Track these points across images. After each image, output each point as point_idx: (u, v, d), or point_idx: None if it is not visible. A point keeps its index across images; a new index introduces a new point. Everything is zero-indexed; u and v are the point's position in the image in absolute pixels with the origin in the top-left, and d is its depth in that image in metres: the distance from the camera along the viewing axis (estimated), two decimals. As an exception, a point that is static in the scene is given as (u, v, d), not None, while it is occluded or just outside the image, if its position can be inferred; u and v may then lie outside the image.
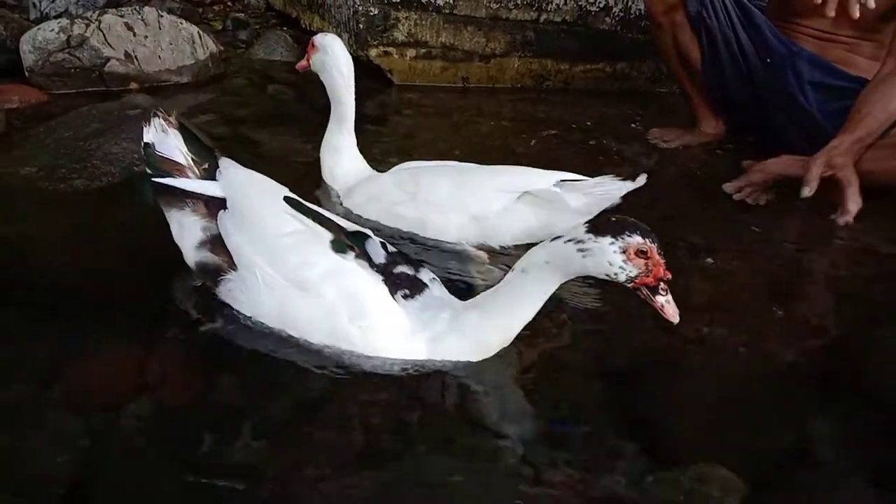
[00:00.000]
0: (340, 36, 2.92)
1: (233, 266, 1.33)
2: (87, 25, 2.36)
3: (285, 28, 3.25)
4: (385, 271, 1.32)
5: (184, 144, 1.40)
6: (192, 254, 1.36)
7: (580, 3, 3.07)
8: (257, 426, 1.18)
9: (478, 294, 1.36)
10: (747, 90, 2.41)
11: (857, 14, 1.92)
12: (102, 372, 1.27)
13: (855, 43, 2.26)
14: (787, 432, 1.24)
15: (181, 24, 2.56)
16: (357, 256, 1.32)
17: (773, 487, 1.13)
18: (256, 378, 1.29)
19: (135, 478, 1.07)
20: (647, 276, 1.15)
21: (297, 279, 1.30)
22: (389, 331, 1.30)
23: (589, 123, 2.67)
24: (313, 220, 1.34)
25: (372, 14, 2.75)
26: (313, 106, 2.53)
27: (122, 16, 2.44)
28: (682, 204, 2.03)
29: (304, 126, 2.31)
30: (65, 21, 2.36)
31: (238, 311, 1.35)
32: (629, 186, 1.62)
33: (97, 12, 2.45)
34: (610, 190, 1.63)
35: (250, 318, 1.34)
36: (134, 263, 1.50)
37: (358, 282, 1.30)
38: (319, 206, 1.43)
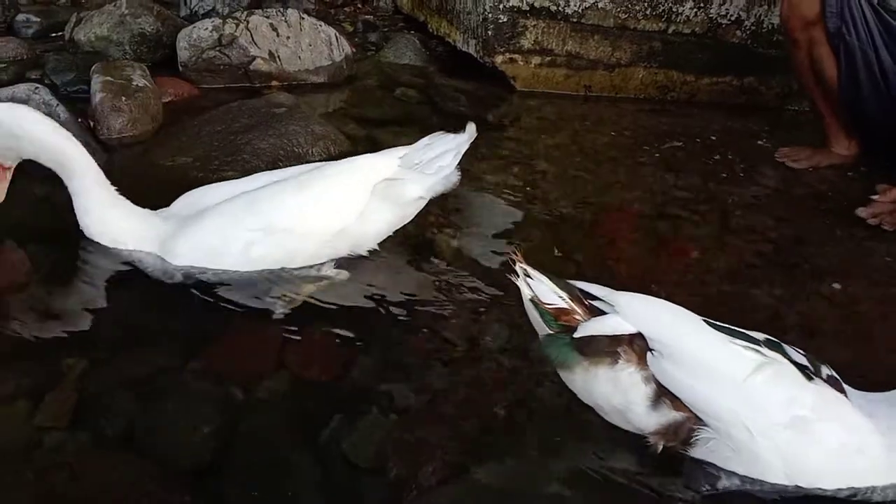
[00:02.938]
0: (467, 42, 3.01)
1: (699, 420, 1.09)
2: (237, 25, 2.53)
3: (413, 32, 3.36)
4: (819, 377, 1.14)
5: (554, 285, 1.19)
6: (648, 417, 1.11)
7: (710, 15, 3.02)
8: (384, 409, 1.25)
9: None
10: (885, 110, 2.31)
11: None
12: (243, 347, 1.38)
13: None
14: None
15: (320, 26, 2.71)
16: (823, 378, 1.14)
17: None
18: (387, 362, 1.37)
19: (267, 452, 1.15)
20: None
21: (793, 422, 1.07)
22: (880, 453, 1.09)
23: (714, 138, 2.63)
24: (746, 340, 1.14)
25: (501, 21, 2.81)
26: (437, 109, 2.63)
27: (267, 17, 2.60)
28: (809, 226, 1.98)
29: (427, 128, 2.37)
30: (217, 20, 2.55)
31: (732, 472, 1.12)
32: (462, 139, 1.59)
33: (245, 13, 2.63)
34: (444, 147, 1.60)
35: (749, 478, 1.10)
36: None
37: (848, 409, 1.11)
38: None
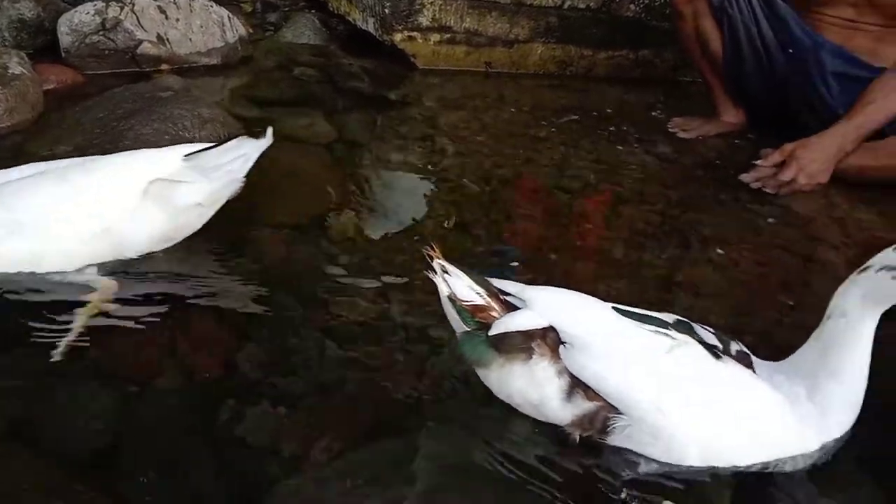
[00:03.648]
0: (366, 20, 2.97)
1: (614, 409, 1.10)
2: (122, 8, 2.43)
3: (314, 11, 3.30)
4: (729, 354, 1.18)
5: (472, 281, 1.16)
6: (563, 410, 1.12)
7: (605, -10, 3.08)
8: (277, 399, 1.25)
9: None
10: (768, 82, 2.41)
11: None
12: (133, 343, 1.34)
13: (881, 32, 2.26)
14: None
15: (211, 7, 2.63)
16: (732, 354, 1.18)
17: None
18: (278, 353, 1.36)
19: (159, 446, 1.13)
20: None
21: (704, 403, 1.11)
22: (790, 423, 1.15)
23: (610, 110, 2.70)
24: (655, 324, 1.16)
25: (398, -1, 2.79)
26: (337, 88, 2.60)
27: (154, -1, 2.50)
28: (696, 193, 2.06)
29: (328, 108, 2.38)
30: (100, 3, 2.43)
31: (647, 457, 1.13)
32: (260, 144, 1.48)
33: (130, -5, 2.52)
34: (239, 152, 1.46)
35: (669, 463, 1.12)
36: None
37: (756, 384, 1.15)
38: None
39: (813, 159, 2.08)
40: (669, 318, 1.20)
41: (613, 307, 1.19)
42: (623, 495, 1.09)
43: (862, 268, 1.12)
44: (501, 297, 1.18)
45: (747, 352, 1.21)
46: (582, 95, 2.86)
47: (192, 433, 1.16)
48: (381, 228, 1.83)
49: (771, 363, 1.22)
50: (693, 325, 1.21)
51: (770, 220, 1.95)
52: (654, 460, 1.12)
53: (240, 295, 1.48)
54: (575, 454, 1.13)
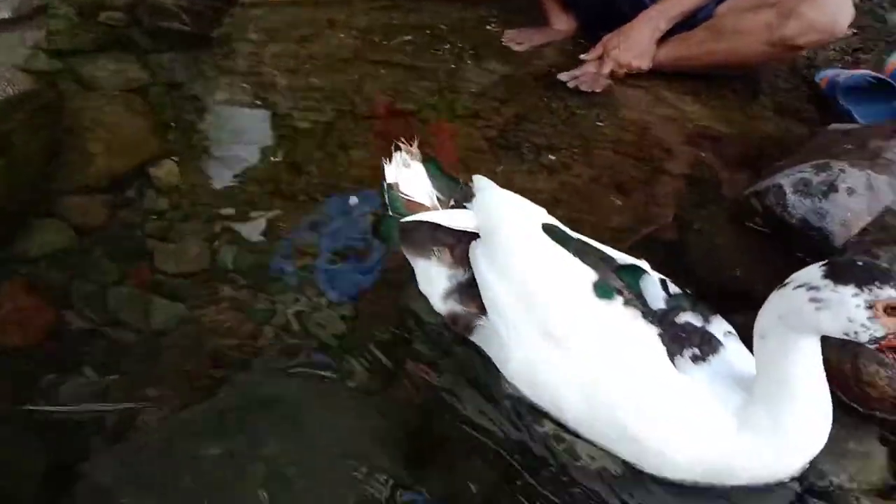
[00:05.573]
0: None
1: (483, 310, 1.15)
2: None
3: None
4: (664, 321, 1.05)
5: (429, 181, 1.26)
6: (440, 305, 1.21)
7: None
8: (100, 367, 1.18)
9: None
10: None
11: None
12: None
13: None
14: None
15: (-8, -51, 2.34)
16: (627, 302, 1.06)
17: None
18: (104, 319, 1.28)
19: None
20: None
21: (550, 333, 1.06)
22: (670, 420, 1.00)
23: (444, 27, 2.64)
24: (575, 253, 1.12)
25: (206, -75, 2.58)
26: (151, 30, 2.40)
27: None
28: (529, 105, 2.06)
29: (140, 51, 2.20)
30: None
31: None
32: None
33: None
34: None
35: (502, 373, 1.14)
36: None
37: (624, 339, 1.03)
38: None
39: (628, 47, 2.14)
40: (624, 259, 1.14)
41: (554, 227, 1.18)
42: None
43: (782, 283, 0.96)
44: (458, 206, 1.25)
45: (720, 339, 1.06)
46: (415, 15, 2.77)
47: (7, 407, 1.09)
48: (209, 173, 1.74)
49: (740, 359, 1.06)
50: (652, 276, 1.11)
51: (599, 123, 1.99)
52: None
53: (56, 265, 1.37)
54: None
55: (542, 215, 1.22)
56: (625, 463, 1.04)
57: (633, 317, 1.05)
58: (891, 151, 1.55)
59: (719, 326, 1.07)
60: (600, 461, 1.05)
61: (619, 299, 1.06)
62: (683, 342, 1.03)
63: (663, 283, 1.11)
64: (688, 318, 1.05)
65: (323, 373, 1.20)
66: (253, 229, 1.55)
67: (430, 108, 2.05)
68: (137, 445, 1.05)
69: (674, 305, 1.07)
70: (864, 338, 0.90)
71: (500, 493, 1.05)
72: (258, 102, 2.01)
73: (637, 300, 1.07)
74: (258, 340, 1.28)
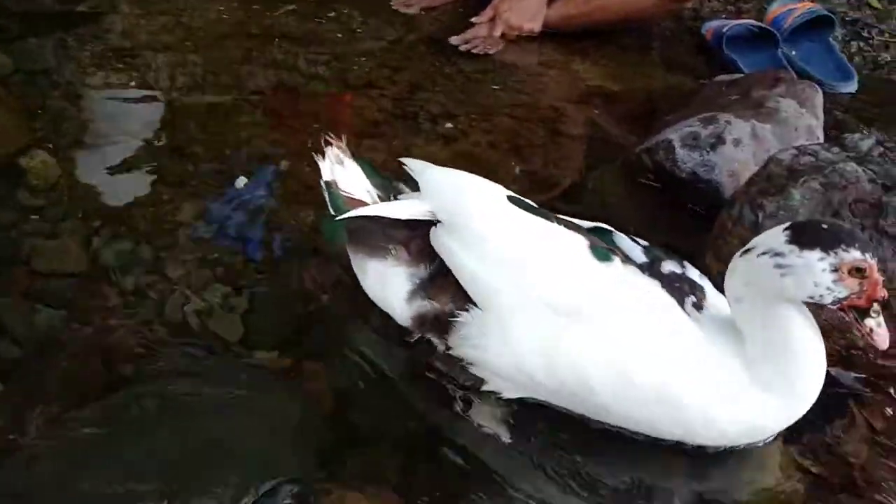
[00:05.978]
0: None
1: (464, 304, 1.03)
2: None
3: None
4: (655, 273, 1.03)
5: (366, 178, 1.16)
6: (404, 309, 1.08)
7: None
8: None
9: None
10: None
11: None
12: None
13: None
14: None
15: None
16: (624, 261, 1.02)
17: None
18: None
19: None
20: (860, 298, 0.91)
21: (564, 308, 0.98)
22: (707, 382, 0.97)
23: (331, -6, 2.56)
24: (554, 221, 1.06)
25: None
26: (7, 12, 2.20)
27: None
28: (422, 72, 2.02)
29: (4, 38, 2.02)
30: None
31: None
32: None
33: None
34: None
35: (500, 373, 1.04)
36: None
37: (641, 300, 0.99)
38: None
39: (519, 9, 2.12)
40: (586, 222, 1.11)
41: (518, 198, 1.11)
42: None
43: (745, 248, 0.95)
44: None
45: (699, 282, 1.05)
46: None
47: None
48: (85, 164, 1.63)
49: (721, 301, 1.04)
50: (618, 233, 1.10)
51: (494, 86, 1.97)
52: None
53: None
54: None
55: (494, 187, 1.13)
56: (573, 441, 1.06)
57: (635, 274, 1.02)
58: (773, 100, 1.60)
59: (693, 271, 1.07)
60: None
61: (617, 259, 1.02)
62: (681, 292, 1.01)
63: (633, 238, 1.09)
64: (670, 266, 1.05)
65: (220, 368, 1.16)
66: (137, 221, 1.46)
67: (320, 79, 1.98)
68: (26, 458, 0.99)
69: (653, 257, 1.05)
70: (827, 300, 0.91)
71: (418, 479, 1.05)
72: (133, 84, 1.89)
73: (627, 258, 1.04)
74: (150, 339, 1.22)
